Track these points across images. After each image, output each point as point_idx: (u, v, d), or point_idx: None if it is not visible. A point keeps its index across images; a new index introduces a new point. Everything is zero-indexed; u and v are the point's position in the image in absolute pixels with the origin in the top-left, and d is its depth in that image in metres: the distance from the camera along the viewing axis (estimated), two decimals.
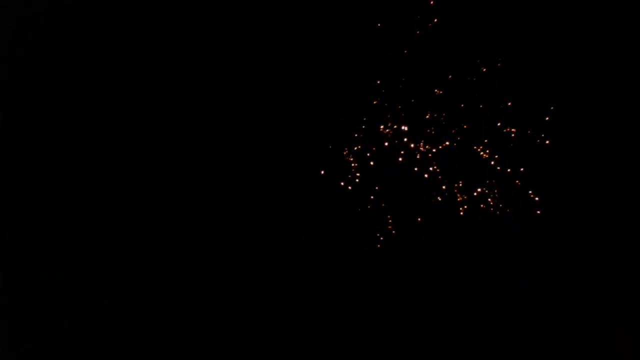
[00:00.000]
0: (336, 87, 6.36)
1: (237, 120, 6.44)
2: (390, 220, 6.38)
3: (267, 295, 6.30)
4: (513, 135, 6.35)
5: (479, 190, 6.33)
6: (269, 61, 6.41)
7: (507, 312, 6.15)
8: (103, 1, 6.20)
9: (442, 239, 6.43)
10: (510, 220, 6.37)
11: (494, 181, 6.35)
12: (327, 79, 6.37)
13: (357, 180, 6.36)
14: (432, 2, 6.31)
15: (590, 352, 5.86)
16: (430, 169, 6.31)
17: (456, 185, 6.38)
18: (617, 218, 6.32)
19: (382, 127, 6.40)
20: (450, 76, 6.35)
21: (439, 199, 6.35)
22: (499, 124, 6.37)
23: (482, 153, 6.38)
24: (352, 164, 6.39)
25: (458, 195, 6.35)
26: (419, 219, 6.38)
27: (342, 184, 6.35)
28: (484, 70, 6.36)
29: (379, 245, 6.35)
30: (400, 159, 6.33)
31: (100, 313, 5.97)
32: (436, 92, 6.36)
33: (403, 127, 6.32)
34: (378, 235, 6.37)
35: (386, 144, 6.34)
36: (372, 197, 6.37)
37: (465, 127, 6.39)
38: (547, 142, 6.32)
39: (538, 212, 6.25)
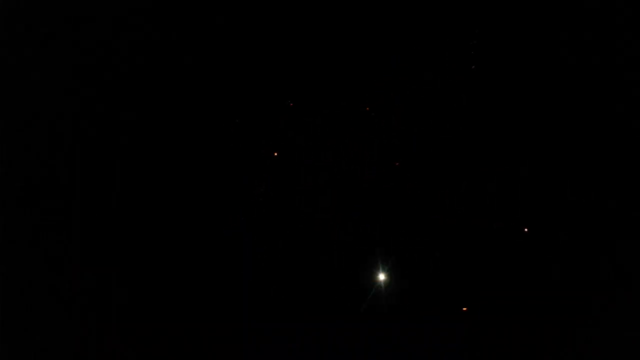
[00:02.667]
0: (334, 89, 6.39)
1: (237, 121, 6.47)
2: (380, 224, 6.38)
3: (265, 295, 6.31)
4: (511, 135, 6.37)
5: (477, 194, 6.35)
6: (269, 61, 6.44)
7: (506, 312, 6.16)
8: (103, 1, 6.23)
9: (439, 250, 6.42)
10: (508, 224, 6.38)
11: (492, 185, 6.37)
12: (325, 81, 6.40)
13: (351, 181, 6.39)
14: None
15: (591, 351, 5.86)
16: (428, 172, 6.34)
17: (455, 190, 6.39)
18: (617, 218, 6.32)
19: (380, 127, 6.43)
20: (447, 77, 6.38)
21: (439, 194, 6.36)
22: (496, 126, 6.39)
23: (480, 155, 6.40)
24: (351, 165, 6.42)
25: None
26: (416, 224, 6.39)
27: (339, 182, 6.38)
28: (481, 70, 6.39)
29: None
30: (397, 161, 6.35)
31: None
32: (434, 92, 6.39)
33: (401, 127, 6.35)
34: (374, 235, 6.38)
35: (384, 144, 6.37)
36: (367, 199, 6.39)
37: (462, 128, 6.41)
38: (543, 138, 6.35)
39: (525, 229, 6.28)
